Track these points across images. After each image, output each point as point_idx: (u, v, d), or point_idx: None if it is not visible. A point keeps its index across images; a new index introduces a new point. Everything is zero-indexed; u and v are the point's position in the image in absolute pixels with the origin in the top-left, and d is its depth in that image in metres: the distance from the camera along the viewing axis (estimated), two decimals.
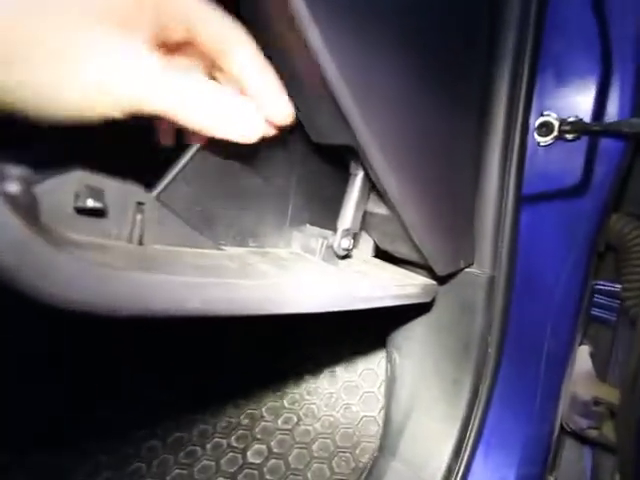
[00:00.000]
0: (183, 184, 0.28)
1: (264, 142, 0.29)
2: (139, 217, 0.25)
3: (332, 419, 0.69)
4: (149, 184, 0.27)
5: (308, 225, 0.41)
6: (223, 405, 0.71)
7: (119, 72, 0.22)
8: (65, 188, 0.22)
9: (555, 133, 0.41)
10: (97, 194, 0.23)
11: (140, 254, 0.23)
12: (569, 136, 0.40)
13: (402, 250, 0.44)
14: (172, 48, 0.27)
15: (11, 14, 0.19)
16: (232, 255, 0.30)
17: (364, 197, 0.40)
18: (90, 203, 0.22)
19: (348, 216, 0.39)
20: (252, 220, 0.35)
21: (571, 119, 0.39)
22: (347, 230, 0.39)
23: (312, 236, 0.39)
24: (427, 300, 0.43)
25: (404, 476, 0.49)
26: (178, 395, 0.72)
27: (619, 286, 0.47)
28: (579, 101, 0.39)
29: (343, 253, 0.38)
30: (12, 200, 0.16)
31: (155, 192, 0.26)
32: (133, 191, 0.25)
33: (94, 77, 0.21)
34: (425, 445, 0.49)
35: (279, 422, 0.69)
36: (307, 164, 0.39)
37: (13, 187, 0.18)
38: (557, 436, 0.48)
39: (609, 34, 0.37)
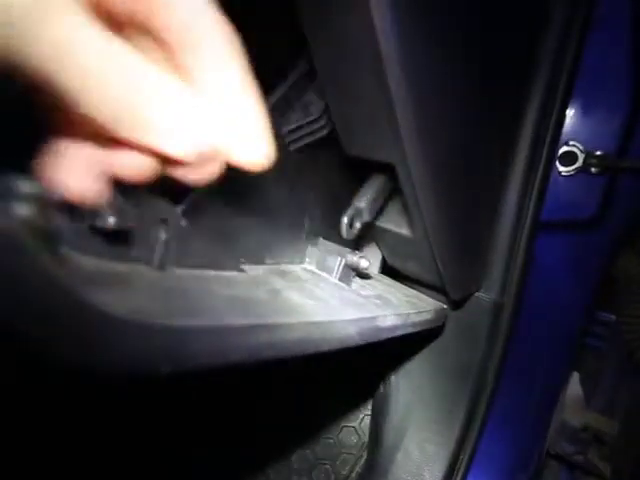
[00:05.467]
0: (208, 199, 0.24)
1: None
2: (163, 236, 0.21)
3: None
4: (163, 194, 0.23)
5: (322, 239, 0.39)
6: None
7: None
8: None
9: (579, 164, 0.40)
10: (119, 210, 0.18)
11: (167, 286, 0.19)
12: (594, 169, 0.39)
13: (414, 270, 0.43)
14: (115, 26, 0.18)
15: None
16: (256, 279, 0.27)
17: (381, 196, 0.36)
18: (112, 223, 0.18)
19: (363, 200, 0.35)
20: (270, 236, 0.32)
21: (598, 153, 0.39)
22: (360, 209, 0.34)
23: (328, 253, 0.36)
24: (439, 324, 0.41)
25: None
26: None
27: (610, 315, 0.48)
28: (604, 134, 0.39)
29: (361, 273, 0.36)
30: (30, 227, 0.12)
31: (180, 208, 0.22)
32: (157, 206, 0.21)
33: None
34: (418, 466, 0.48)
35: None
36: (326, 176, 0.36)
37: (25, 209, 0.13)
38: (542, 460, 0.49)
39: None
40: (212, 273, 0.24)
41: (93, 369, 0.14)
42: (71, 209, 0.17)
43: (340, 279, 0.35)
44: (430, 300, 0.41)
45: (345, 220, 0.33)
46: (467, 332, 0.46)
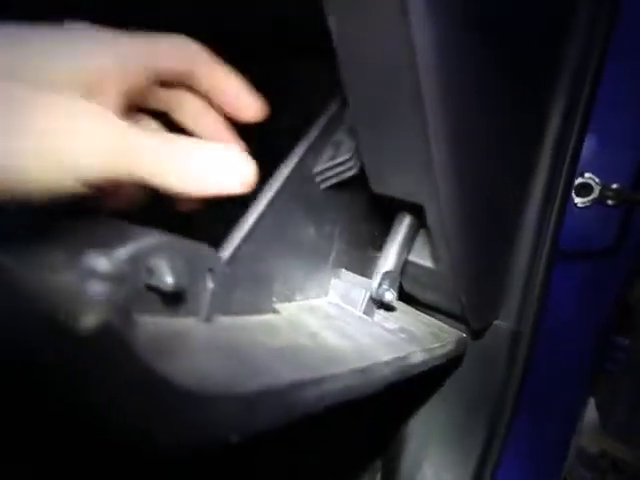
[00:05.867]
0: (250, 243, 0.25)
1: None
2: (210, 286, 0.21)
3: None
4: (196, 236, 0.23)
5: (344, 270, 0.39)
6: None
7: (81, 140, 0.19)
8: (139, 261, 0.18)
9: (594, 196, 0.41)
10: (173, 267, 0.19)
11: (220, 342, 0.19)
12: (610, 202, 0.40)
13: (434, 299, 0.43)
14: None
15: None
16: (292, 321, 0.27)
17: (408, 242, 0.38)
18: (169, 282, 0.18)
19: (391, 259, 0.37)
20: (299, 272, 0.32)
21: (615, 186, 0.39)
22: (388, 273, 0.37)
23: (351, 284, 0.37)
24: (460, 354, 0.42)
25: None
26: None
27: (625, 340, 0.49)
28: (620, 167, 0.40)
29: (387, 306, 0.36)
30: (113, 308, 0.12)
31: (226, 255, 0.23)
32: (204, 255, 0.21)
33: (54, 146, 0.18)
34: None
35: None
36: (351, 210, 0.37)
37: (100, 286, 0.13)
38: None
39: None
40: (252, 319, 0.24)
41: (164, 444, 0.14)
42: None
43: (365, 312, 0.36)
44: (451, 330, 0.42)
45: (377, 297, 0.34)
46: (484, 361, 0.46)
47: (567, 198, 0.41)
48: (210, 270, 0.21)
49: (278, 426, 0.18)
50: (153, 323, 0.17)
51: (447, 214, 0.29)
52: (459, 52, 0.22)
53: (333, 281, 0.37)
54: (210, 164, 0.23)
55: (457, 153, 0.26)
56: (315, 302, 0.34)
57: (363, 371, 0.24)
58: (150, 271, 0.18)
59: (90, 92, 0.22)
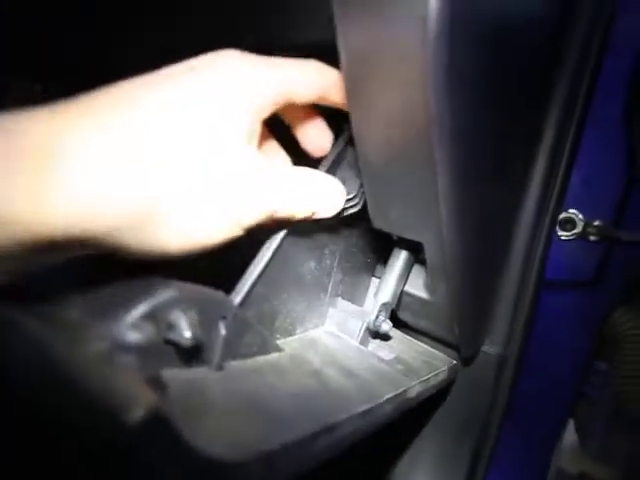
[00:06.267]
0: (260, 286, 0.25)
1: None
2: (223, 333, 0.21)
3: None
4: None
5: (340, 299, 0.39)
6: None
7: (248, 190, 0.21)
8: (158, 317, 0.18)
9: (577, 230, 0.43)
10: (190, 320, 0.19)
11: (235, 393, 0.20)
12: (592, 237, 0.42)
13: (426, 326, 0.44)
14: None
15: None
16: (297, 360, 0.27)
17: (405, 274, 0.39)
18: (188, 337, 0.18)
19: (388, 291, 0.38)
20: (302, 306, 0.32)
21: (597, 223, 0.42)
22: (385, 304, 0.38)
23: (349, 315, 0.37)
24: (450, 381, 0.43)
25: None
26: None
27: (601, 363, 0.51)
28: (601, 204, 0.42)
29: (382, 335, 0.37)
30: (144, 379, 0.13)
31: (237, 300, 0.23)
32: (218, 302, 0.21)
33: (226, 203, 0.21)
34: None
35: None
36: (350, 239, 0.38)
37: (131, 358, 0.14)
38: None
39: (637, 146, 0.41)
40: (259, 361, 0.24)
41: None
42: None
43: (361, 342, 0.36)
44: (442, 357, 0.43)
45: (373, 327, 0.35)
46: (470, 385, 0.47)
47: (552, 231, 0.43)
48: (223, 317, 0.21)
49: (292, 476, 0.18)
50: (172, 379, 0.18)
51: (447, 252, 0.30)
52: (469, 112, 0.23)
53: (330, 310, 0.38)
54: (323, 191, 0.27)
55: (461, 196, 0.27)
56: (313, 334, 0.35)
57: (368, 412, 0.24)
58: (169, 326, 0.18)
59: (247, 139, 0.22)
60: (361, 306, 0.43)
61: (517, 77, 0.33)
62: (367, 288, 0.45)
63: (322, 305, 0.36)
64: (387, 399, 0.27)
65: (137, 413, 0.10)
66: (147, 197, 0.18)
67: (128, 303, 0.17)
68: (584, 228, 0.42)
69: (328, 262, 0.35)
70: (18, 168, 0.16)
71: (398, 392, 0.29)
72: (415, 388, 0.32)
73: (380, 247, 0.42)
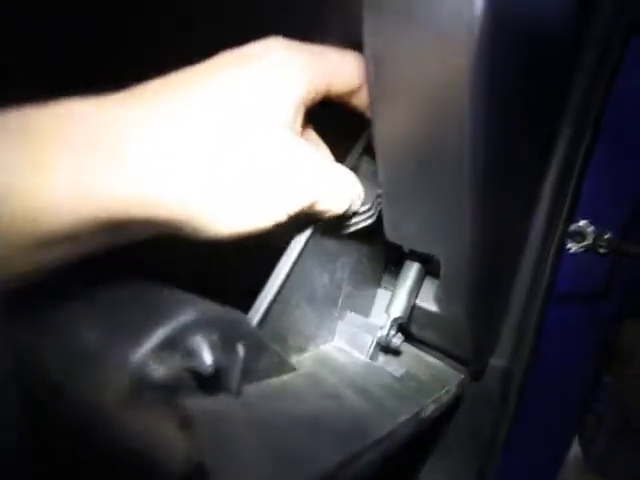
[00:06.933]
0: (277, 304, 0.24)
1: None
2: (241, 357, 0.20)
3: None
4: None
5: (349, 312, 0.38)
6: None
7: (292, 179, 0.22)
8: (177, 344, 0.16)
9: (587, 242, 0.43)
10: (211, 345, 0.17)
11: (255, 422, 0.18)
12: (602, 250, 0.42)
13: (433, 339, 0.43)
14: None
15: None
16: (312, 380, 0.26)
17: (417, 287, 0.38)
18: (209, 364, 0.17)
19: (400, 305, 0.37)
20: (314, 322, 0.31)
21: (608, 236, 0.41)
22: (397, 319, 0.37)
23: (358, 328, 0.36)
24: (459, 396, 0.42)
25: None
26: None
27: (606, 378, 0.51)
28: (611, 217, 0.42)
29: (393, 350, 0.36)
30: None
31: (255, 320, 0.22)
32: (237, 324, 0.20)
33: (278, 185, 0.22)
34: None
35: None
36: (360, 251, 0.36)
37: (157, 394, 0.12)
38: None
39: None
40: (276, 384, 0.23)
41: None
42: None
43: (371, 357, 0.35)
44: (450, 371, 0.42)
45: (385, 342, 0.34)
46: (476, 398, 0.47)
47: (563, 244, 0.43)
48: (242, 339, 0.20)
49: None
50: (196, 411, 0.16)
51: (467, 267, 0.29)
52: (501, 120, 0.22)
53: (339, 324, 0.37)
54: (348, 186, 0.27)
55: (486, 209, 0.26)
56: (324, 350, 0.33)
57: (388, 436, 0.23)
58: (189, 352, 0.17)
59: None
60: (366, 316, 0.42)
61: (537, 85, 0.32)
62: (373, 299, 0.44)
63: (333, 320, 0.35)
64: (405, 421, 0.26)
65: (177, 467, 0.09)
66: (198, 190, 0.19)
67: (146, 328, 0.16)
68: (594, 240, 0.42)
69: (339, 275, 0.34)
70: (94, 153, 0.17)
71: (414, 412, 0.28)
72: (429, 407, 0.31)
73: (387, 257, 0.41)
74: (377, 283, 0.43)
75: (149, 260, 0.24)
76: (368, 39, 0.20)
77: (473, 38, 0.16)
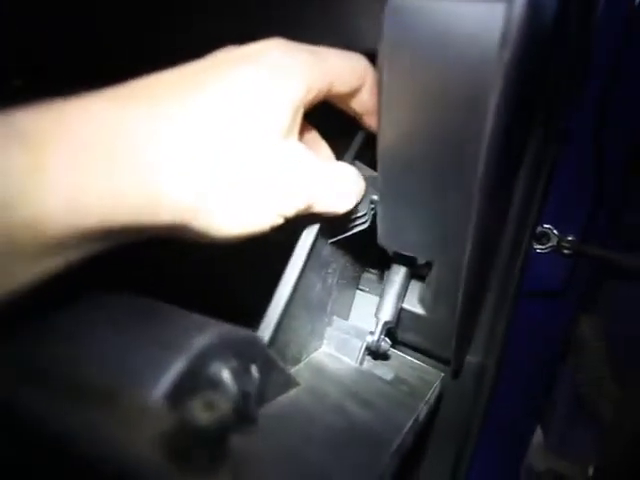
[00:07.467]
0: (284, 318, 0.22)
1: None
2: (255, 379, 0.19)
3: None
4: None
5: (336, 317, 0.38)
6: None
7: (288, 181, 0.22)
8: (199, 374, 0.15)
9: (552, 244, 0.45)
10: (232, 371, 0.16)
11: (272, 451, 0.17)
12: (566, 251, 0.45)
13: (415, 340, 0.44)
14: None
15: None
16: (313, 392, 0.25)
17: (404, 290, 0.38)
18: (234, 393, 0.15)
19: (389, 310, 0.37)
20: (308, 330, 0.30)
21: (570, 238, 0.44)
22: (386, 323, 0.37)
23: (347, 334, 0.36)
24: (441, 393, 0.43)
25: None
26: None
27: (569, 369, 0.55)
28: (572, 221, 0.45)
29: (382, 354, 0.36)
30: None
31: (266, 338, 0.20)
32: (249, 343, 0.19)
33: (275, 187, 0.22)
34: None
35: None
36: (349, 256, 0.36)
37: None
38: None
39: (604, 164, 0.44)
40: (285, 402, 0.22)
41: None
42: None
43: (360, 362, 0.35)
44: (433, 371, 0.43)
45: (374, 347, 0.34)
46: (453, 394, 0.48)
47: (531, 245, 0.45)
48: (255, 360, 0.19)
49: None
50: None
51: (459, 271, 0.30)
52: (509, 145, 0.22)
53: (328, 330, 0.36)
54: (351, 183, 0.26)
55: (484, 219, 0.27)
56: (316, 358, 0.33)
57: (398, 449, 0.23)
58: (211, 381, 0.15)
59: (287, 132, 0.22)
60: (346, 319, 0.42)
61: (530, 92, 0.33)
62: (352, 301, 0.44)
63: (323, 326, 0.34)
64: (407, 429, 0.26)
65: None
66: (197, 193, 0.19)
67: (164, 359, 0.14)
68: (558, 242, 0.45)
69: (330, 281, 0.33)
70: (95, 155, 0.16)
71: (413, 419, 0.28)
72: (423, 411, 0.31)
73: (368, 261, 0.41)
74: (355, 286, 0.43)
75: (139, 267, 0.23)
76: (385, 43, 0.19)
77: (506, 52, 0.16)
